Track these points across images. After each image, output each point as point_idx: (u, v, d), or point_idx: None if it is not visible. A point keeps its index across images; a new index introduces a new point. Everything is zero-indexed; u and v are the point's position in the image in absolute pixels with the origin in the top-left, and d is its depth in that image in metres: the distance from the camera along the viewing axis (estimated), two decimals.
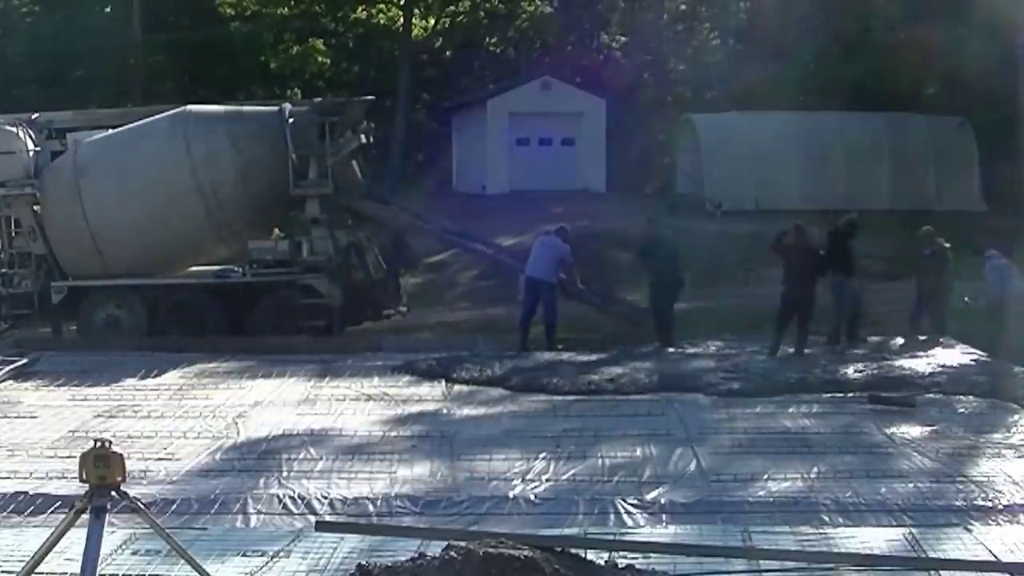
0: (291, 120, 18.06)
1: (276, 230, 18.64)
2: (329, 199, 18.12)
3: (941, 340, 16.12)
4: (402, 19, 39.26)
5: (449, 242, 21.11)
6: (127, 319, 17.82)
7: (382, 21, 42.10)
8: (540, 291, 16.53)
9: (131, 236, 17.62)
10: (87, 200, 17.70)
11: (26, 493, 8.92)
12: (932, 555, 7.18)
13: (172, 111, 18.60)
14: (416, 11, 39.55)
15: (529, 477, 9.56)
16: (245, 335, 17.39)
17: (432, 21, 42.95)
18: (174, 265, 18.53)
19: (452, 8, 42.53)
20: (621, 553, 6.97)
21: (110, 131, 18.58)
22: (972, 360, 14.70)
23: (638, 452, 10.32)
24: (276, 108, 18.71)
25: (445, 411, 12.42)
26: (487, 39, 48.23)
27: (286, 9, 41.78)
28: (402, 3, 38.80)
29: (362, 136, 18.71)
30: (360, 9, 41.69)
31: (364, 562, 6.44)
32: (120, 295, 17.95)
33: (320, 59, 45.60)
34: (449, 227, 20.48)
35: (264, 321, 17.68)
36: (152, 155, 17.85)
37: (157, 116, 18.61)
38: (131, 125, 18.55)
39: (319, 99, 19.48)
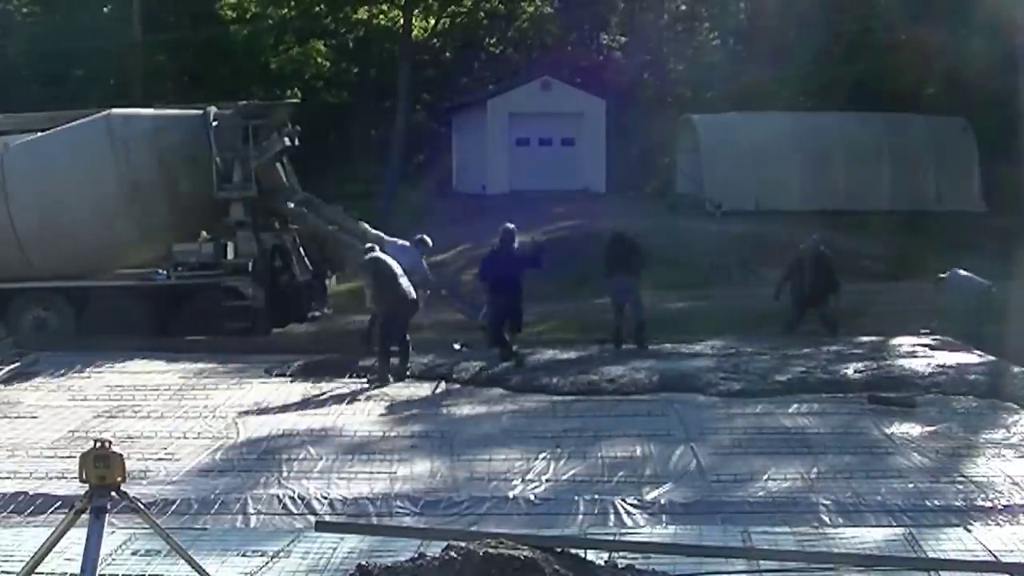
0: (215, 123, 18.28)
1: (204, 233, 18.84)
2: (253, 202, 18.39)
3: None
4: (402, 19, 39.27)
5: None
6: (55, 321, 17.90)
7: (382, 22, 42.10)
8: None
9: (58, 239, 17.72)
10: (13, 203, 17.80)
11: (26, 493, 8.92)
12: (932, 555, 7.18)
13: (98, 114, 18.74)
14: (416, 11, 39.54)
15: (529, 477, 9.55)
16: (171, 336, 17.55)
17: (432, 21, 42.94)
18: (101, 267, 18.63)
19: (452, 8, 42.52)
20: (621, 553, 6.98)
21: (38, 134, 18.70)
22: (972, 360, 14.68)
23: (638, 452, 10.32)
24: (201, 111, 18.89)
25: (445, 411, 12.42)
26: (487, 39, 48.24)
27: (286, 10, 41.79)
28: (402, 3, 38.78)
29: (287, 139, 19.00)
30: (360, 10, 41.68)
31: (364, 562, 6.43)
32: (46, 297, 18.03)
33: (320, 60, 45.59)
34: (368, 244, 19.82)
35: (188, 323, 17.83)
36: (79, 158, 17.98)
37: (84, 119, 18.73)
38: (58, 128, 18.64)
39: (244, 102, 19.86)
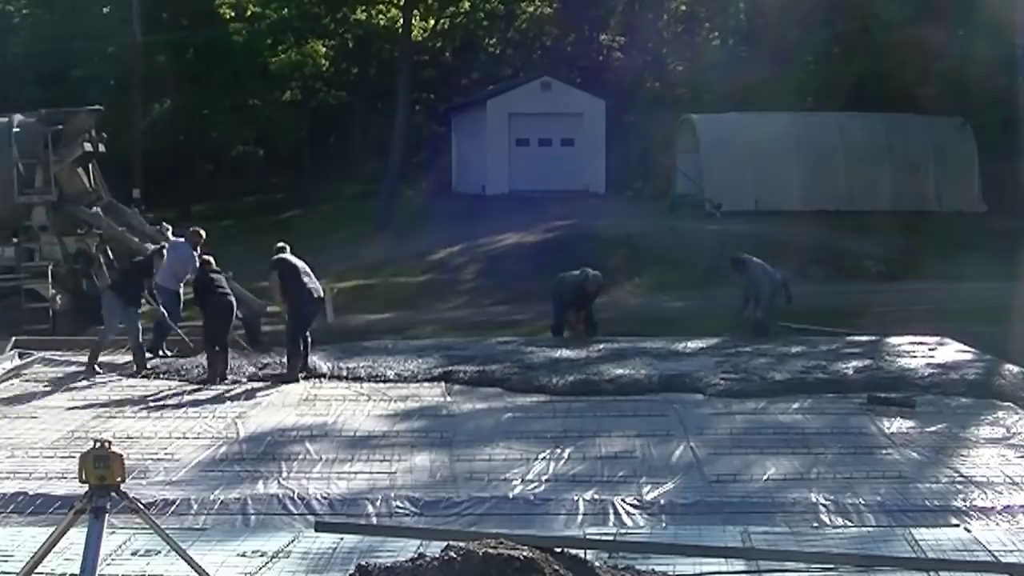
0: (17, 130, 19.00)
1: (15, 238, 19.27)
2: (55, 206, 19.04)
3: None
4: (401, 20, 39.31)
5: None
6: None
7: (382, 22, 42.14)
8: (159, 296, 15.83)
9: None
10: None
11: (26, 493, 8.92)
12: (932, 555, 7.18)
13: None
14: (416, 12, 39.57)
15: (529, 477, 9.55)
16: None
17: (432, 21, 42.97)
18: None
19: (452, 8, 42.54)
20: (621, 553, 6.98)
21: None
22: (971, 360, 14.68)
23: (638, 452, 10.32)
24: (5, 119, 19.50)
25: (445, 411, 12.41)
26: (487, 39, 48.26)
27: (286, 10, 41.81)
28: (402, 3, 38.80)
29: (87, 144, 19.56)
30: (359, 10, 41.70)
31: (364, 562, 6.43)
32: None
33: (320, 60, 45.58)
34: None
35: None
36: None
37: None
38: None
39: (46, 110, 20.43)
